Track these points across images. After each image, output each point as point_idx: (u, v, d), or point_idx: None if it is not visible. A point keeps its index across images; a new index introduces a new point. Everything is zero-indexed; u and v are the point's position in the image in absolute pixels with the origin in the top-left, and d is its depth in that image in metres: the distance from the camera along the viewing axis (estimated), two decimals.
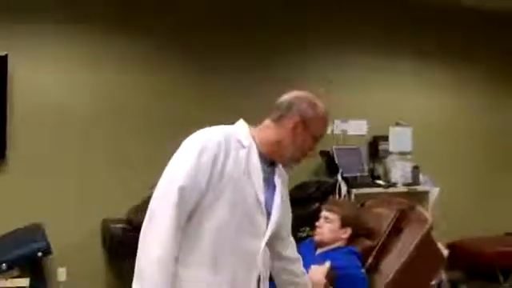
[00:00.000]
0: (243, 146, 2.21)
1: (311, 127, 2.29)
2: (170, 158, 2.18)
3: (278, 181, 2.36)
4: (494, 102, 7.51)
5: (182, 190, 2.05)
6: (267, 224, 2.27)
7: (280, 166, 2.40)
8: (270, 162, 2.33)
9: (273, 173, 2.36)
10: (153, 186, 2.18)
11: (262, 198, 2.21)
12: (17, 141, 5.30)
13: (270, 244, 2.38)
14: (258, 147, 2.26)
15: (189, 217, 2.10)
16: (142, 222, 2.13)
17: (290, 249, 2.61)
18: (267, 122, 2.34)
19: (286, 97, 2.36)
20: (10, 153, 5.26)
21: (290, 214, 2.55)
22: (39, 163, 5.39)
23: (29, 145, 5.36)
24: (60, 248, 5.12)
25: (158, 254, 2.01)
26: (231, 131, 2.25)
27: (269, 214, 2.28)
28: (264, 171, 2.26)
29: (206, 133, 2.20)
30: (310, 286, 2.76)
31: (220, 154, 2.12)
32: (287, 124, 2.28)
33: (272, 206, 2.30)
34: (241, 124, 2.33)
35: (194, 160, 2.09)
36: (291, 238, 2.62)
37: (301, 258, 2.69)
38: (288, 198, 2.48)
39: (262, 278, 2.27)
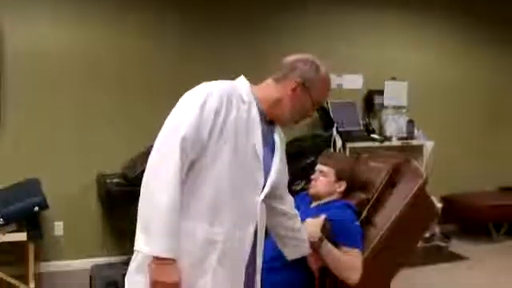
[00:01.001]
0: (244, 102, 2.22)
1: (311, 90, 2.30)
2: (168, 114, 2.17)
3: (277, 138, 2.38)
4: (491, 56, 7.48)
5: (184, 140, 2.04)
6: (265, 179, 2.29)
7: (278, 127, 2.42)
8: (269, 120, 2.34)
9: (272, 131, 2.38)
10: (149, 146, 2.16)
11: (260, 153, 2.22)
12: (12, 96, 5.28)
13: (269, 201, 2.41)
14: (258, 104, 2.26)
15: (189, 168, 2.10)
16: (136, 176, 2.13)
17: (289, 205, 2.64)
18: (269, 80, 2.36)
19: (290, 58, 2.37)
20: (5, 108, 5.25)
21: (287, 173, 2.56)
22: (35, 118, 5.38)
23: (25, 100, 5.34)
24: (57, 203, 5.15)
25: (165, 203, 2.01)
26: (233, 86, 2.25)
27: (267, 170, 2.30)
28: (263, 129, 2.27)
29: (208, 85, 2.19)
30: (307, 241, 2.80)
31: (222, 106, 2.12)
32: (288, 84, 2.30)
33: (271, 162, 2.32)
34: (242, 80, 2.33)
35: (197, 110, 2.08)
36: (289, 195, 2.65)
37: (298, 215, 2.72)
38: (285, 156, 2.49)
39: (258, 231, 2.30)
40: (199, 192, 2.14)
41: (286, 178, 2.55)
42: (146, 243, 2.02)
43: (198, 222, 2.14)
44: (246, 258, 2.27)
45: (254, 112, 2.23)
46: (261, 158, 2.23)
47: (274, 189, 2.36)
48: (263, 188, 2.28)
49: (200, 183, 2.13)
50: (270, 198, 2.41)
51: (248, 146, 2.19)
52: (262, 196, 2.27)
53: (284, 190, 2.57)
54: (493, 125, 7.59)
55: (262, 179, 2.27)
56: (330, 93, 2.40)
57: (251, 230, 2.26)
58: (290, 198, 2.66)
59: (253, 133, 2.21)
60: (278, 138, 2.39)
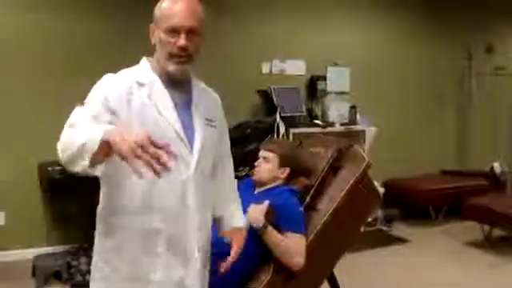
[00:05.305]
0: (143, 85, 2.15)
1: (158, 21, 2.16)
2: None
3: (196, 106, 2.25)
4: (431, 42, 7.62)
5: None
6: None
7: (197, 88, 2.30)
8: (185, 88, 2.25)
9: (190, 95, 2.26)
10: None
11: (178, 127, 2.14)
12: None
13: (213, 171, 2.36)
14: (164, 78, 2.19)
15: (110, 162, 1.96)
16: None
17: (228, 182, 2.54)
18: None
19: None
20: None
21: (227, 137, 2.48)
22: None
23: None
24: None
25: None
26: (130, 74, 2.20)
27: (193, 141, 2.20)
28: (181, 100, 2.20)
29: (101, 86, 2.15)
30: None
31: (122, 102, 2.08)
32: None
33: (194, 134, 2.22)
34: (142, 62, 2.27)
35: (98, 107, 2.06)
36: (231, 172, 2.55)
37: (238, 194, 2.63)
38: (223, 121, 2.42)
39: (196, 210, 2.19)
40: (126, 184, 2.09)
41: (223, 142, 2.45)
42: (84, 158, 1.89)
43: (134, 215, 2.10)
44: (195, 240, 2.19)
45: (159, 89, 2.17)
46: (180, 132, 2.15)
47: (207, 158, 2.26)
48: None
49: (125, 175, 2.03)
50: (212, 175, 2.35)
51: (164, 125, 2.12)
52: (192, 170, 2.16)
53: (226, 157, 2.49)
54: (433, 109, 7.76)
55: (189, 153, 2.17)
56: (180, 13, 2.12)
57: (191, 210, 2.17)
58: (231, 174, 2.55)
59: (163, 111, 2.13)
60: (199, 104, 2.26)
